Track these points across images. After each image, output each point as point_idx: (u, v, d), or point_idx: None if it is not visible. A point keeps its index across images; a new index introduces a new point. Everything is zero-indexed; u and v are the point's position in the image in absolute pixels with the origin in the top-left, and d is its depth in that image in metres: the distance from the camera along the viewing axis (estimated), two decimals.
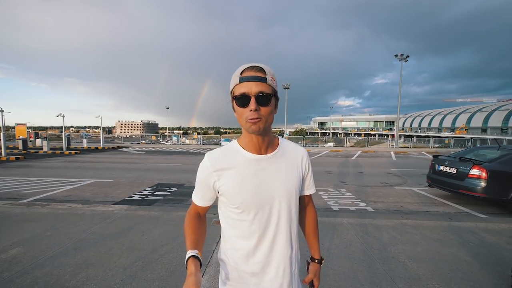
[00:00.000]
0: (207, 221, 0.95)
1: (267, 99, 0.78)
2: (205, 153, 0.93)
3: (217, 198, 0.94)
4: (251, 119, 0.78)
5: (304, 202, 1.07)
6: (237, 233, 0.90)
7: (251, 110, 0.77)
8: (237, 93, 0.79)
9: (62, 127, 21.49)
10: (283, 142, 0.97)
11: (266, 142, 0.89)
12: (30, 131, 23.18)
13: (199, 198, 0.93)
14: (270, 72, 0.80)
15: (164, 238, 3.18)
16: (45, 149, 17.51)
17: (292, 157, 0.95)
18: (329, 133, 73.74)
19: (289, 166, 0.93)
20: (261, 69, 0.79)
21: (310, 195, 1.07)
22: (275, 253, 0.90)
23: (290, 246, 0.93)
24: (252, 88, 0.77)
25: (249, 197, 0.85)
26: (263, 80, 0.78)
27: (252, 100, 0.77)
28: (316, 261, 1.09)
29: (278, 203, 0.88)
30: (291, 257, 0.93)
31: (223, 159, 0.87)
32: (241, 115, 0.80)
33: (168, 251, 2.87)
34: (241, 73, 0.79)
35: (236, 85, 0.79)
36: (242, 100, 0.78)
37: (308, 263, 1.10)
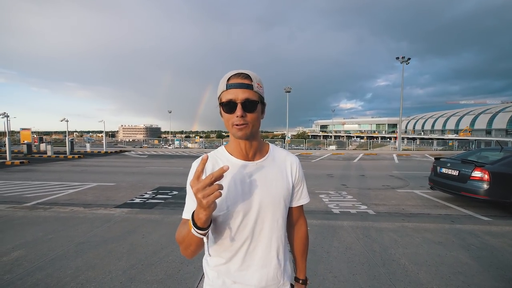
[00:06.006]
0: None
1: (253, 105, 0.80)
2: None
3: None
4: (238, 124, 0.80)
5: (294, 215, 1.02)
6: (221, 241, 0.88)
7: (237, 116, 0.79)
8: (224, 99, 0.80)
9: (66, 131, 21.72)
10: (274, 150, 0.95)
11: (253, 148, 0.88)
12: (35, 135, 23.44)
13: (187, 210, 0.85)
14: (256, 78, 0.82)
15: (164, 241, 3.19)
16: (49, 153, 17.69)
17: (282, 165, 0.93)
18: (331, 136, 73.55)
19: (278, 174, 0.91)
20: (247, 76, 0.80)
21: (301, 207, 1.02)
22: (258, 262, 0.88)
23: (275, 256, 0.90)
24: (238, 95, 0.78)
25: (234, 203, 0.83)
26: (249, 87, 0.79)
27: (239, 107, 0.78)
28: (301, 281, 1.05)
29: (263, 210, 0.86)
30: (276, 268, 0.90)
31: (210, 165, 0.87)
32: (228, 120, 0.82)
33: (167, 254, 2.88)
34: (228, 80, 0.80)
35: (223, 91, 0.81)
36: (228, 107, 0.80)
37: (292, 286, 1.02)
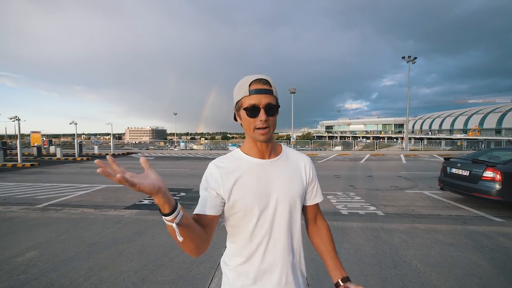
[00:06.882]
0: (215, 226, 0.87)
1: (274, 109, 0.86)
2: (212, 159, 0.95)
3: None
4: (261, 128, 0.85)
5: (312, 213, 1.03)
6: (240, 241, 0.90)
7: (261, 120, 0.84)
8: (246, 104, 0.85)
9: (74, 134, 22.12)
10: (287, 150, 1.00)
11: (269, 147, 0.93)
12: (44, 138, 23.93)
13: (201, 205, 0.86)
14: (273, 84, 0.88)
15: (174, 242, 3.21)
16: (58, 155, 18.02)
17: (295, 164, 0.97)
18: (336, 137, 73.04)
19: (292, 171, 0.94)
20: (267, 82, 0.86)
21: (318, 206, 1.04)
22: (277, 259, 0.88)
23: (292, 253, 0.91)
24: (261, 100, 0.84)
25: (252, 200, 0.86)
26: (270, 92, 0.85)
27: (262, 112, 0.84)
28: (343, 279, 0.92)
29: (280, 207, 0.88)
30: (294, 265, 0.91)
31: (228, 165, 0.90)
32: (250, 124, 0.86)
33: (177, 255, 2.90)
34: (249, 85, 0.85)
35: (245, 97, 0.85)
36: (252, 111, 0.84)
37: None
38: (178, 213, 0.69)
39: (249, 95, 0.84)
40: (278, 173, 0.91)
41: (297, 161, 0.98)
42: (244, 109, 0.86)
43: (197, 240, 0.76)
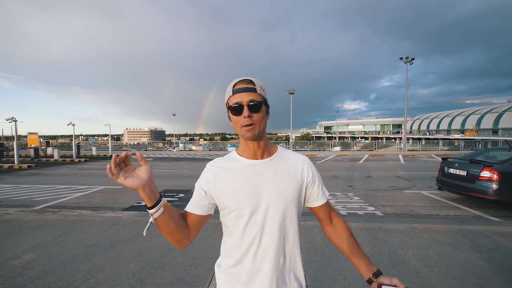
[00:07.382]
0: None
1: (257, 106, 0.86)
2: (210, 159, 0.95)
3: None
4: (246, 125, 0.85)
5: (322, 213, 1.00)
6: (232, 241, 0.91)
7: (244, 117, 0.85)
8: (231, 103, 0.87)
9: (72, 135, 22.02)
10: (282, 150, 0.99)
11: (261, 147, 0.92)
12: (42, 139, 23.79)
13: (190, 204, 0.91)
14: (258, 83, 0.89)
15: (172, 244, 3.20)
16: (55, 157, 17.94)
17: (290, 164, 0.95)
18: (335, 137, 73.24)
19: (287, 172, 0.93)
20: (250, 81, 0.87)
21: (328, 205, 1.00)
22: (268, 263, 0.87)
23: (283, 256, 0.89)
24: (244, 97, 0.85)
25: (242, 200, 0.87)
26: (253, 90, 0.86)
27: (245, 108, 0.85)
28: (374, 274, 0.89)
29: (272, 208, 0.87)
30: (285, 269, 0.90)
31: (222, 166, 0.93)
32: (237, 122, 0.88)
33: (176, 256, 2.89)
34: (233, 86, 0.88)
35: (230, 96, 0.88)
36: (236, 109, 0.86)
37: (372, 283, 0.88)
38: (158, 210, 0.80)
39: (233, 94, 0.87)
40: (270, 174, 0.90)
41: (293, 162, 0.95)
42: (229, 108, 0.88)
43: (178, 236, 0.85)
